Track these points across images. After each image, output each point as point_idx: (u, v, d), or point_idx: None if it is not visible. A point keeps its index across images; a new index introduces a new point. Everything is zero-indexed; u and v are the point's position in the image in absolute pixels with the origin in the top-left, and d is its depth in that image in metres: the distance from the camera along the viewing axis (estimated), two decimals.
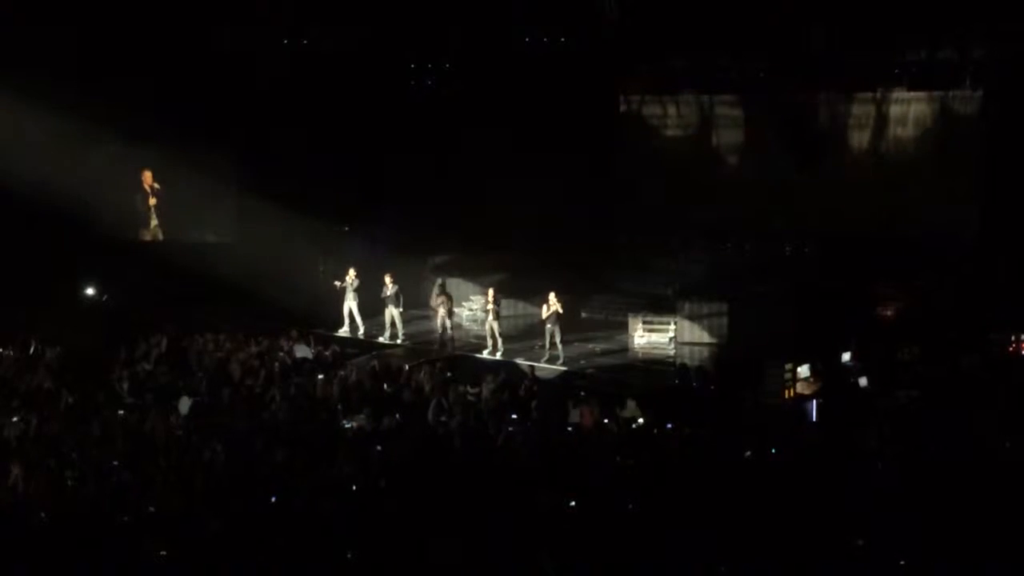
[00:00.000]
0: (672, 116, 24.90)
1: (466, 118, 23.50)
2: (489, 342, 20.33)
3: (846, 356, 17.90)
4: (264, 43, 22.34)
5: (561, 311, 19.79)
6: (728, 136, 24.60)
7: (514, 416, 15.57)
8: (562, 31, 22.73)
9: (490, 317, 20.30)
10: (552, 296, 19.84)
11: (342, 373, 17.65)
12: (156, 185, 22.72)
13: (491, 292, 20.42)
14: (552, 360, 19.76)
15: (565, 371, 19.44)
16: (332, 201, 22.58)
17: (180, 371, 17.68)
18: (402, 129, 23.28)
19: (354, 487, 12.30)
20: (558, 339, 19.87)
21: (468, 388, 16.86)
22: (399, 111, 23.39)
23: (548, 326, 19.88)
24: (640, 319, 21.53)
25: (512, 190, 22.56)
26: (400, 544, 10.44)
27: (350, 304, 21.05)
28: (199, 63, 21.56)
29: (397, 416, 15.36)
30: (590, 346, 21.06)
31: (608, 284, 23.88)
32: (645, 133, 25.21)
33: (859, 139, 23.48)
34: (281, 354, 18.62)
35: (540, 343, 20.12)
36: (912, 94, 22.99)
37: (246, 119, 22.31)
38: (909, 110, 23.11)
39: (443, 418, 15.36)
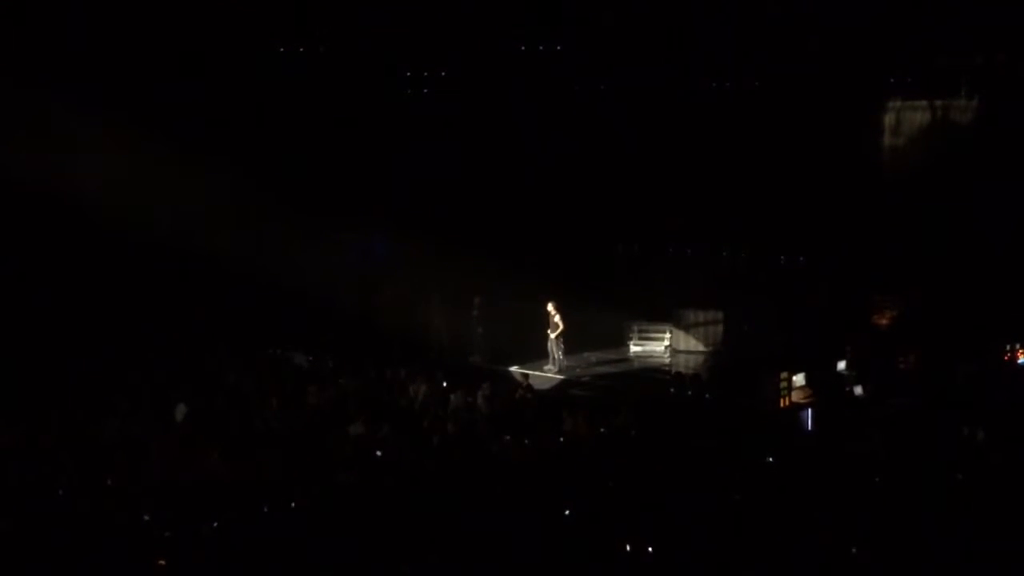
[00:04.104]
0: None
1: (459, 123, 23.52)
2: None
3: (842, 364, 17.90)
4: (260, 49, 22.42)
5: (560, 323, 19.79)
6: None
7: (509, 424, 15.54)
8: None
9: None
10: (551, 306, 19.83)
11: (342, 381, 17.61)
12: None
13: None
14: (551, 370, 19.77)
15: (560, 379, 19.44)
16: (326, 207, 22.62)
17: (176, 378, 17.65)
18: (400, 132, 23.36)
19: (351, 495, 12.29)
20: (560, 350, 19.86)
21: (464, 396, 16.83)
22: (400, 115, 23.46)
23: (552, 336, 19.88)
24: (636, 327, 21.54)
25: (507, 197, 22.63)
26: (396, 551, 10.43)
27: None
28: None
29: (393, 424, 15.33)
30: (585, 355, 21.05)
31: (605, 292, 23.88)
32: None
33: (856, 147, 23.47)
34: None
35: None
36: (908, 103, 23.01)
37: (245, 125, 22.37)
38: (904, 118, 23.12)
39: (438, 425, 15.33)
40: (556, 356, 19.92)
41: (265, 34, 22.44)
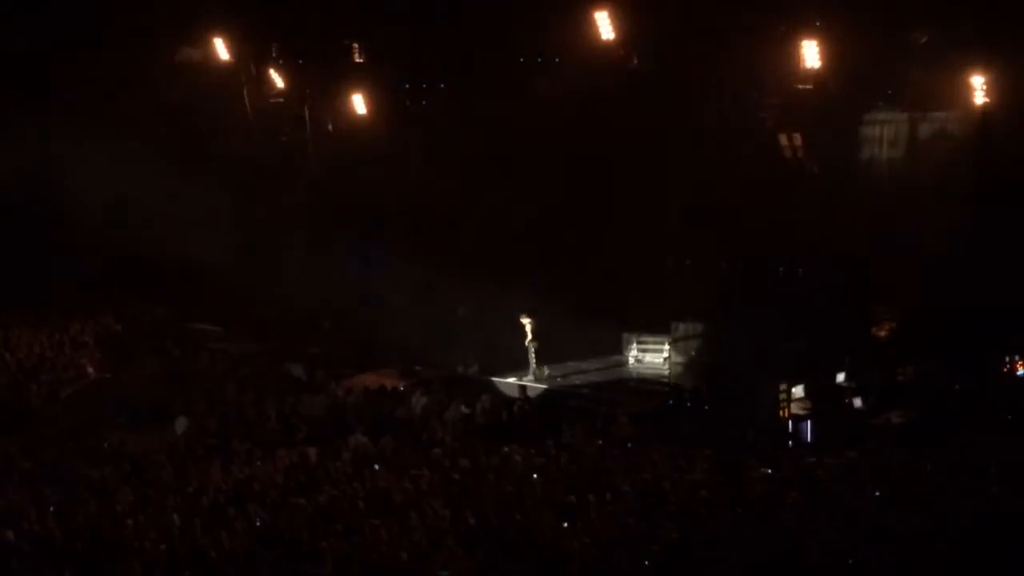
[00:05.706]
0: None
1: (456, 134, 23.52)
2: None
3: (841, 376, 17.89)
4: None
5: (531, 333, 19.83)
6: None
7: (508, 435, 15.54)
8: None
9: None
10: (523, 318, 19.86)
11: (339, 393, 17.62)
12: None
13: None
14: (536, 379, 19.75)
15: (559, 390, 19.41)
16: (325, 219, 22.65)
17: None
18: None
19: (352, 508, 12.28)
20: (533, 358, 19.90)
21: (463, 408, 16.84)
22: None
23: (528, 345, 19.91)
24: (635, 339, 21.52)
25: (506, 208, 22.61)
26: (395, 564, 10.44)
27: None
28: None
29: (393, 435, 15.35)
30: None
31: (603, 304, 23.84)
32: None
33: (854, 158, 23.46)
34: None
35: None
36: (905, 114, 22.98)
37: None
38: (902, 130, 23.09)
39: (438, 437, 15.35)
40: (532, 364, 19.92)
41: (264, 43, 22.50)
